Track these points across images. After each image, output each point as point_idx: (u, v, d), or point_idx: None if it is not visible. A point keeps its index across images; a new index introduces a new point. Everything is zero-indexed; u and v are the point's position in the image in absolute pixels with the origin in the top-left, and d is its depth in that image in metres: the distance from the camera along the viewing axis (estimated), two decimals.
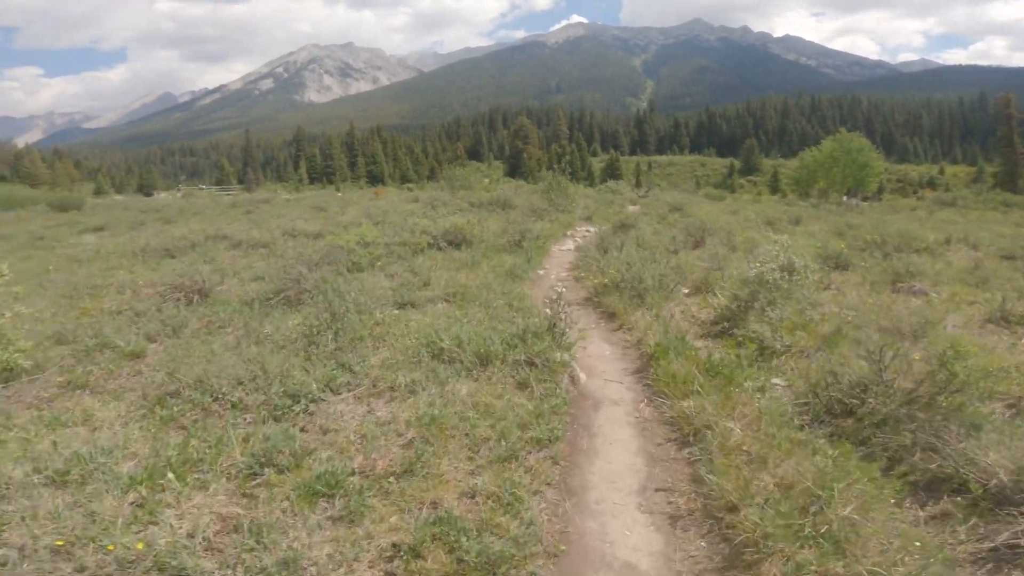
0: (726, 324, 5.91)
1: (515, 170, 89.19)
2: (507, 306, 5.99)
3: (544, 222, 14.50)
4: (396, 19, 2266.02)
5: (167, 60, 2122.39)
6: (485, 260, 8.49)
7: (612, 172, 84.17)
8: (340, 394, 3.98)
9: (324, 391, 3.94)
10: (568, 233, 13.50)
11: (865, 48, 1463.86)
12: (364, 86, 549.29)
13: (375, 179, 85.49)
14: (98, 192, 74.69)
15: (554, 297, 5.04)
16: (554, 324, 4.85)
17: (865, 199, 39.26)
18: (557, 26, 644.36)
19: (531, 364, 4.37)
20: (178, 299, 6.30)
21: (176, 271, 6.90)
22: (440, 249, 9.04)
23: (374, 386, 4.08)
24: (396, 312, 5.69)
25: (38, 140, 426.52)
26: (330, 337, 4.50)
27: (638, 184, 77.63)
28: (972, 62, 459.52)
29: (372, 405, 3.87)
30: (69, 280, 7.73)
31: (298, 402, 3.70)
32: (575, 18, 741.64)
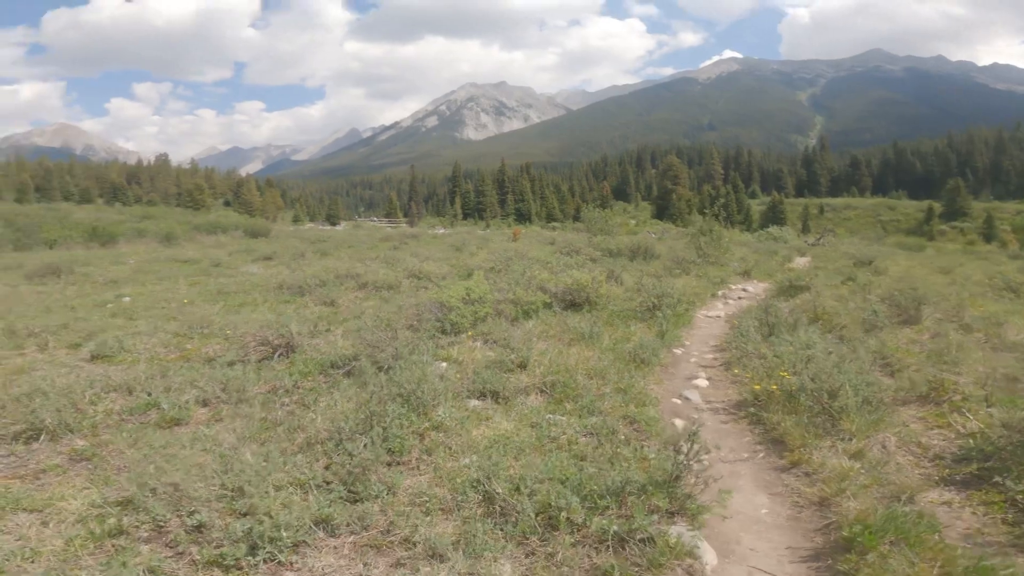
0: (983, 466, 3.73)
1: (663, 212, 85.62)
2: (621, 412, 4.43)
3: (690, 277, 12.50)
4: (545, 59, 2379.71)
5: (355, 98, 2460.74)
6: (608, 330, 6.97)
7: (774, 216, 76.64)
8: (338, 536, 2.83)
9: (317, 527, 2.83)
10: (719, 293, 11.41)
11: None
12: (516, 124, 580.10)
13: (523, 216, 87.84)
14: (295, 220, 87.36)
15: (687, 429, 3.36)
16: (678, 476, 3.22)
17: None
18: (708, 62, 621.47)
19: (623, 543, 2.83)
20: (264, 353, 5.81)
21: (266, 321, 6.52)
22: (557, 311, 7.74)
23: (386, 531, 2.87)
24: (471, 406, 4.46)
25: (258, 170, 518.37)
26: (362, 445, 3.40)
27: (806, 230, 69.50)
28: None
29: (371, 565, 2.66)
30: (192, 316, 7.84)
31: (257, 552, 2.61)
32: (728, 53, 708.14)
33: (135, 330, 7.46)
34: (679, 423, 4.55)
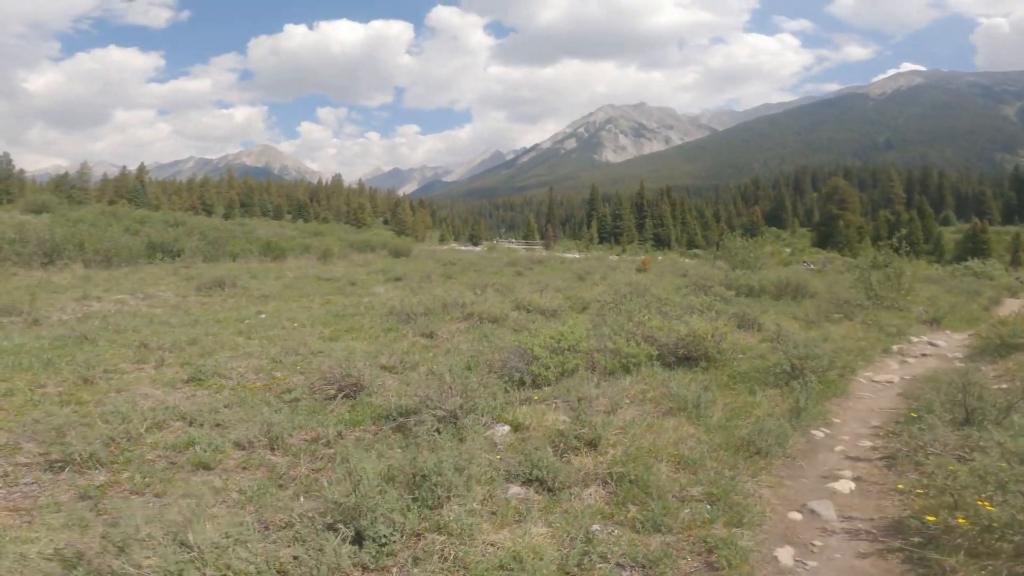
0: None
1: (826, 240, 76.08)
2: (701, 531, 3.18)
3: (854, 324, 10.17)
4: (685, 78, 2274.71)
5: (497, 120, 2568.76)
6: (724, 397, 5.56)
7: (974, 246, 63.80)
8: None
9: None
10: (894, 348, 8.76)
11: None
12: (656, 146, 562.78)
13: (661, 242, 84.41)
14: (441, 239, 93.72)
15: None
16: None
17: None
18: (882, 76, 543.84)
19: None
20: (329, 393, 5.51)
21: (348, 352, 6.25)
22: (668, 366, 6.46)
23: None
24: (510, 494, 3.54)
25: (414, 190, 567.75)
26: (336, 542, 2.67)
27: (1015, 263, 56.77)
28: None
29: None
30: (291, 341, 8.00)
31: None
32: (906, 66, 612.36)
33: (246, 350, 7.76)
34: (786, 555, 3.19)
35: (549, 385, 5.78)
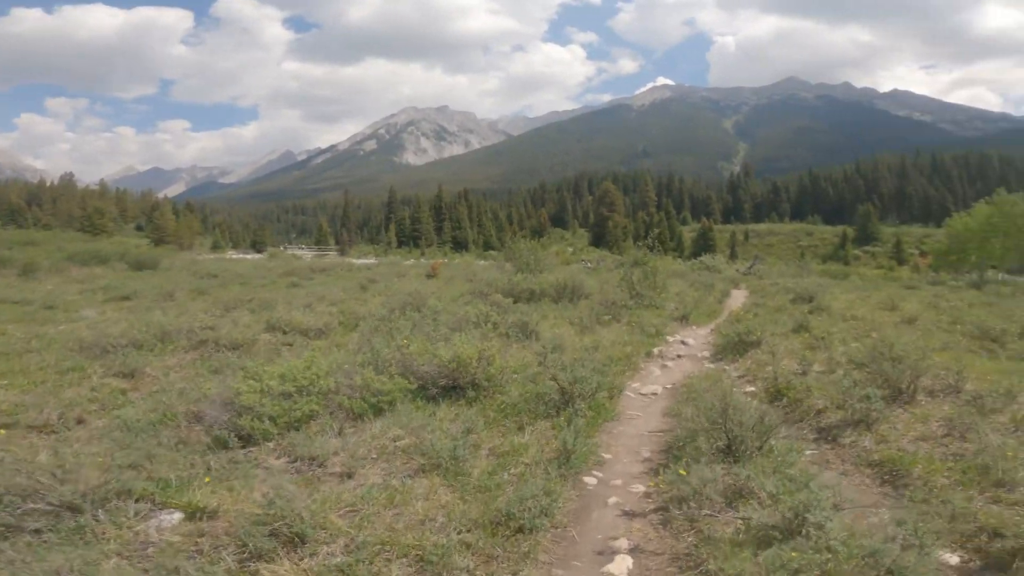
0: None
1: (600, 239, 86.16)
2: None
3: (621, 325, 10.72)
4: (488, 83, 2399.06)
5: (290, 119, 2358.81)
6: (488, 439, 4.91)
7: (705, 243, 78.54)
8: None
9: None
10: (655, 351, 9.24)
11: (987, 100, 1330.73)
12: (457, 149, 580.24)
13: (459, 245, 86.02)
14: (215, 247, 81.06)
15: None
16: None
17: None
18: (643, 89, 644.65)
19: None
20: None
21: None
22: (431, 399, 5.61)
23: None
24: None
25: (181, 192, 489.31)
26: None
27: (733, 256, 71.36)
28: None
29: None
30: None
31: None
32: (661, 80, 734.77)
33: None
34: None
35: (272, 440, 4.43)
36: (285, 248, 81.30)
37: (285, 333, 9.43)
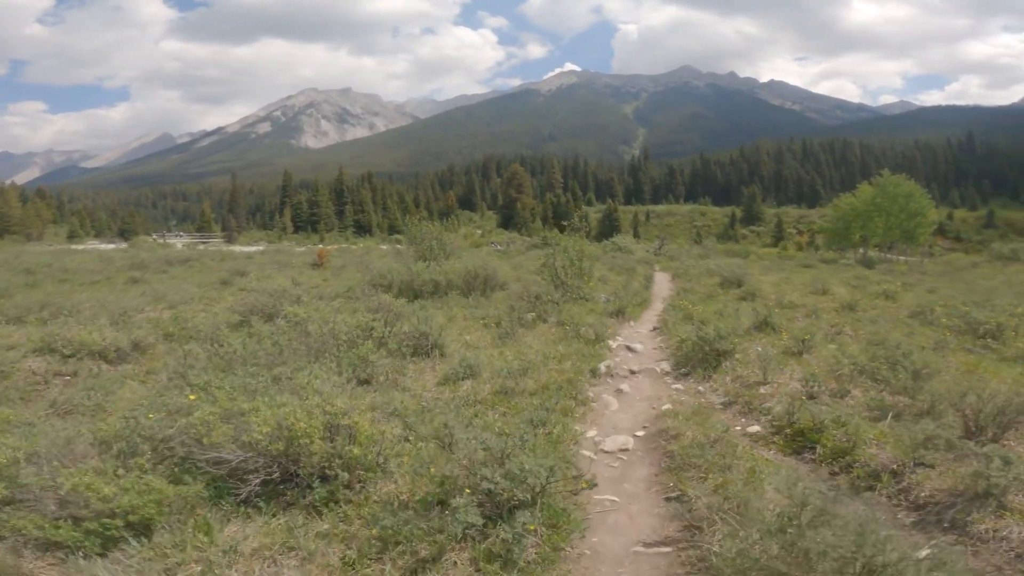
0: None
1: (508, 221, 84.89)
2: None
3: (549, 327, 8.83)
4: (396, 66, 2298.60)
5: (169, 100, 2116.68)
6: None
7: (610, 223, 79.76)
8: None
9: None
10: (603, 367, 6.96)
11: (848, 91, 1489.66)
12: (361, 132, 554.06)
13: (363, 228, 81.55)
14: (71, 237, 69.79)
15: None
16: None
17: (929, 254, 34.41)
18: (551, 74, 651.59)
19: None
20: None
21: None
22: (245, 501, 3.31)
23: None
24: None
25: (35, 178, 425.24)
26: None
27: (636, 235, 73.04)
28: (950, 102, 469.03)
29: None
30: None
31: None
32: (568, 66, 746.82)
33: None
34: None
35: None
36: (162, 236, 72.08)
37: (68, 357, 6.55)
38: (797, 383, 5.64)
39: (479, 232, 64.86)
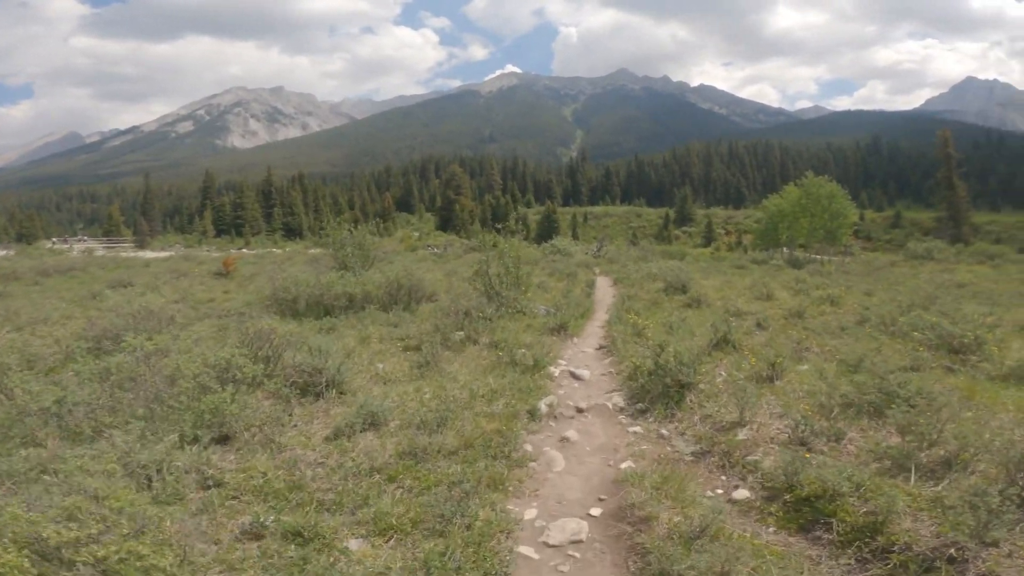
0: None
1: (447, 223, 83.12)
2: None
3: (481, 348, 7.58)
4: (332, 65, 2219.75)
5: (77, 98, 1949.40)
6: None
7: (549, 225, 79.60)
8: None
9: None
10: (543, 405, 5.65)
11: (769, 96, 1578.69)
12: (293, 132, 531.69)
13: (293, 232, 77.36)
14: None
15: None
16: None
17: (848, 254, 35.66)
18: (492, 75, 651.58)
19: None
20: None
21: None
22: None
23: None
24: None
25: None
26: None
27: (575, 237, 73.16)
28: (858, 107, 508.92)
29: None
30: None
31: None
32: (509, 68, 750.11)
33: None
34: None
35: None
36: (64, 241, 65.13)
37: None
38: (780, 423, 4.65)
39: (416, 235, 62.75)
